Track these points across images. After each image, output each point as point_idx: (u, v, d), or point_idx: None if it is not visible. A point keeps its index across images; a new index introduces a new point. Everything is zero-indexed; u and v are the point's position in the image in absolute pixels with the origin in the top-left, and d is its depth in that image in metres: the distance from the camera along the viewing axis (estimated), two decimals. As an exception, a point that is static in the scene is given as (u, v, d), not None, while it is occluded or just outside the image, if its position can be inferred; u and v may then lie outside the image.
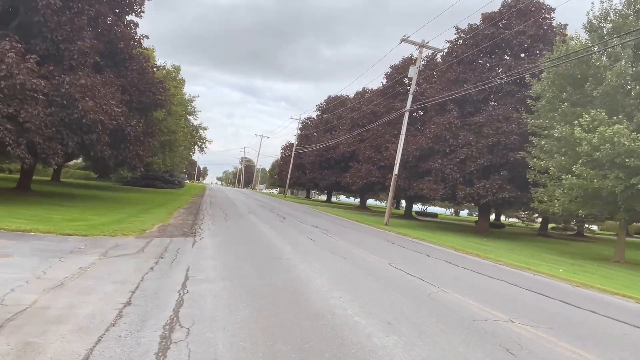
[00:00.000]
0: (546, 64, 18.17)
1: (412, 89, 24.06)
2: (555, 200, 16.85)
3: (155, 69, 23.62)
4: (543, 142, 17.31)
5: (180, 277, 6.52)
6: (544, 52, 23.04)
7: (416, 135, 27.15)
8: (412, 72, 23.87)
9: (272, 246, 10.64)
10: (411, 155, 25.12)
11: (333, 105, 57.24)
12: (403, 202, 70.92)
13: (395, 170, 23.54)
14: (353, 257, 10.13)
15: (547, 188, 17.47)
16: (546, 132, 17.52)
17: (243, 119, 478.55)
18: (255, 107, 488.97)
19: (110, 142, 18.72)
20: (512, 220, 60.42)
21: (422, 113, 32.90)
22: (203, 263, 7.81)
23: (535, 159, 18.26)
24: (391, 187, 23.73)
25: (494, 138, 21.78)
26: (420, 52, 23.85)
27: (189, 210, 18.69)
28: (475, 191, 21.94)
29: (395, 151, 27.97)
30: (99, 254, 7.97)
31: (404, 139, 23.74)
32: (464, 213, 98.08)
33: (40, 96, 13.41)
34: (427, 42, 23.84)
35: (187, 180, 73.32)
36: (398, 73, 36.50)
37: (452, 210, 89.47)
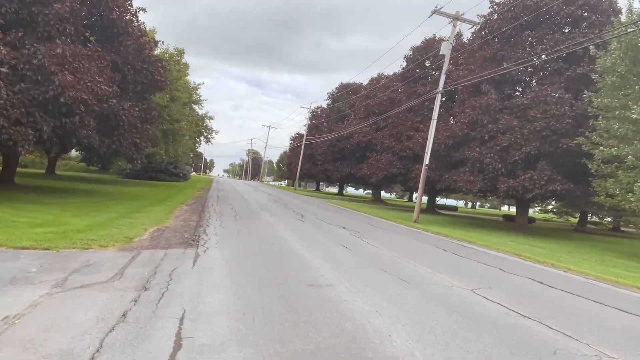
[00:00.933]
0: (615, 32, 15.25)
1: (445, 67, 21.18)
2: (630, 195, 14.04)
3: (153, 43, 20.89)
4: (616, 127, 14.42)
5: (167, 342, 3.80)
6: (596, 23, 20.11)
7: (447, 122, 24.32)
8: (445, 48, 20.99)
9: (301, 262, 7.94)
10: (442, 143, 22.30)
11: (345, 93, 54.35)
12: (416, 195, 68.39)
13: (426, 160, 20.75)
14: (413, 277, 7.42)
15: (618, 179, 14.64)
16: (617, 112, 14.64)
17: (249, 112, 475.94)
18: (261, 99, 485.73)
19: (100, 128, 16.09)
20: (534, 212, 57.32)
21: (444, 98, 29.99)
22: (207, 301, 5.10)
23: (600, 147, 15.43)
24: (421, 179, 20.95)
25: (542, 122, 18.91)
26: (455, 26, 20.94)
27: (193, 207, 16.07)
28: (520, 184, 19.11)
29: (422, 139, 25.16)
30: (52, 284, 5.33)
31: (435, 125, 20.92)
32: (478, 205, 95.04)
33: (4, 69, 10.75)
34: (462, 15, 20.93)
35: (193, 173, 70.80)
36: (420, 55, 33.54)
37: (467, 202, 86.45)
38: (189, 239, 9.32)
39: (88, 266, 6.37)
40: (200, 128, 55.53)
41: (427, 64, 34.20)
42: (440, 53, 21.69)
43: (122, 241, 8.29)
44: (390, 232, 15.16)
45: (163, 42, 25.00)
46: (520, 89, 22.43)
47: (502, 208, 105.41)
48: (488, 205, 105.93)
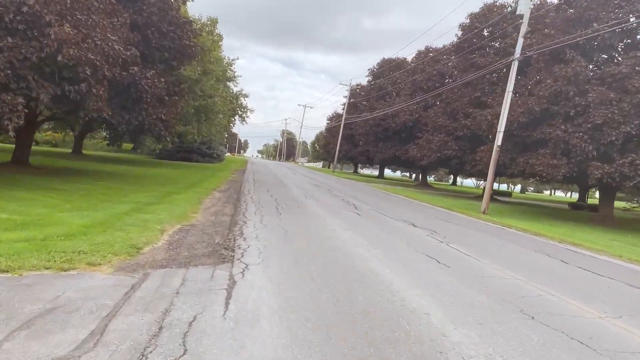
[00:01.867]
0: None
1: (522, 29, 17.72)
2: None
3: (181, 1, 18.30)
4: None
5: None
6: None
7: (522, 95, 20.90)
8: (524, 6, 17.51)
9: (392, 295, 5.13)
10: (515, 121, 18.94)
11: (387, 69, 50.83)
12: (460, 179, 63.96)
13: (498, 141, 17.53)
14: (587, 333, 4.56)
15: None
16: None
17: (283, 92, 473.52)
18: (295, 79, 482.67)
19: (118, 102, 13.67)
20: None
21: (503, 70, 26.39)
22: None
23: None
24: (491, 163, 17.77)
25: (648, 95, 15.40)
26: (536, -21, 17.44)
27: (227, 194, 13.51)
28: (618, 169, 15.71)
29: (489, 116, 21.85)
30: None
31: (510, 99, 17.61)
32: (518, 188, 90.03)
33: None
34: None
35: (227, 153, 68.76)
36: (480, 22, 29.85)
37: (511, 186, 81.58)
38: (220, 247, 6.68)
39: (53, 311, 3.79)
40: (234, 106, 53.17)
41: (486, 33, 30.51)
42: (518, 13, 18.22)
43: (125, 253, 5.71)
44: (469, 229, 12.18)
45: (200, 18, 22.39)
46: (615, 55, 18.77)
47: (545, 192, 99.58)
48: (532, 188, 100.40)
